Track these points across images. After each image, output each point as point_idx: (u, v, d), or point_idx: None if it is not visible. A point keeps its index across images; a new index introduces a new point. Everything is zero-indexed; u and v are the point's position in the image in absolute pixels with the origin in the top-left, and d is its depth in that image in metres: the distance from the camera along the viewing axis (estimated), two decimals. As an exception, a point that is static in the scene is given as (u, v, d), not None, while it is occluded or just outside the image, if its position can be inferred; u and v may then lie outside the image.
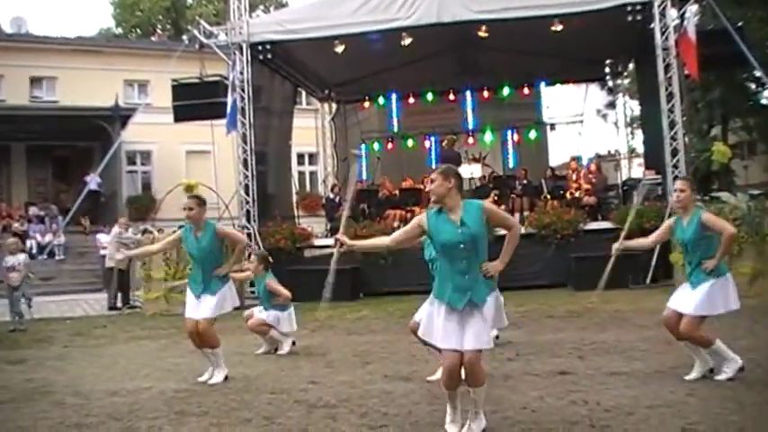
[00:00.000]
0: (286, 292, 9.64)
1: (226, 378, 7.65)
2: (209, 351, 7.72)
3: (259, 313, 9.68)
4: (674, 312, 6.60)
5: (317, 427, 5.63)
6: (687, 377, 6.52)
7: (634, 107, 27.42)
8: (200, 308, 7.61)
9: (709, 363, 6.56)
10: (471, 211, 5.08)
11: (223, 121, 17.20)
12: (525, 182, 19.22)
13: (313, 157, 31.80)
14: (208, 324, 7.62)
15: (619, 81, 23.89)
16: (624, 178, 21.51)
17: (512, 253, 5.24)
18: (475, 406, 5.19)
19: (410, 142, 23.40)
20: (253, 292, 12.44)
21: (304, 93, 25.05)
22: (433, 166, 5.32)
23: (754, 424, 5.11)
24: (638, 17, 15.94)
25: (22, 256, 13.88)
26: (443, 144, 20.63)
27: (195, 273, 7.81)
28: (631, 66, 22.58)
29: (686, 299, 6.54)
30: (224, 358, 7.82)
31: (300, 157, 32.17)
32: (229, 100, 16.82)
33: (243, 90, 17.29)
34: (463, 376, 5.21)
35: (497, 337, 8.96)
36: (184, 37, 19.52)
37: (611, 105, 27.05)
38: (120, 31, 48.91)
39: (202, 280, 7.65)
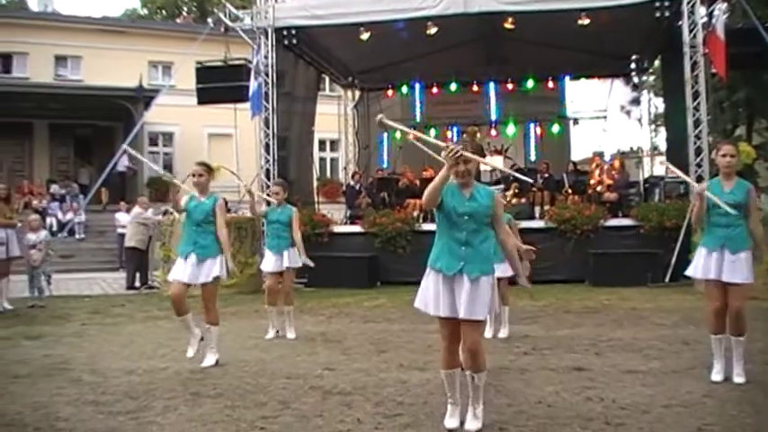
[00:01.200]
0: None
1: (202, 339, 7.77)
2: (205, 328, 7.75)
3: (275, 265, 9.52)
4: (721, 284, 6.46)
5: (332, 414, 5.64)
6: (714, 378, 6.48)
7: (658, 104, 27.24)
8: (195, 273, 7.65)
9: (722, 360, 6.54)
10: (482, 192, 5.23)
11: (246, 105, 17.22)
12: (546, 175, 19.14)
13: (334, 144, 31.84)
14: (212, 291, 7.78)
15: (644, 77, 23.69)
16: (646, 176, 21.37)
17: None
18: (474, 398, 5.23)
19: (432, 132, 23.32)
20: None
21: (327, 79, 25.01)
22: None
23: (771, 427, 5.09)
24: (666, 14, 15.78)
25: (43, 234, 14.00)
26: (464, 136, 20.61)
27: (188, 235, 7.83)
28: (657, 62, 22.41)
29: (731, 268, 6.39)
30: (238, 340, 7.84)
31: (322, 143, 32.18)
32: (253, 84, 16.82)
33: (267, 75, 17.27)
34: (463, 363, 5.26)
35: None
36: (209, 20, 19.44)
37: (636, 102, 26.85)
38: (145, 12, 49.09)
39: (195, 242, 7.71)
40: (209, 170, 7.88)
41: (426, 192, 5.12)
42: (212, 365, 7.60)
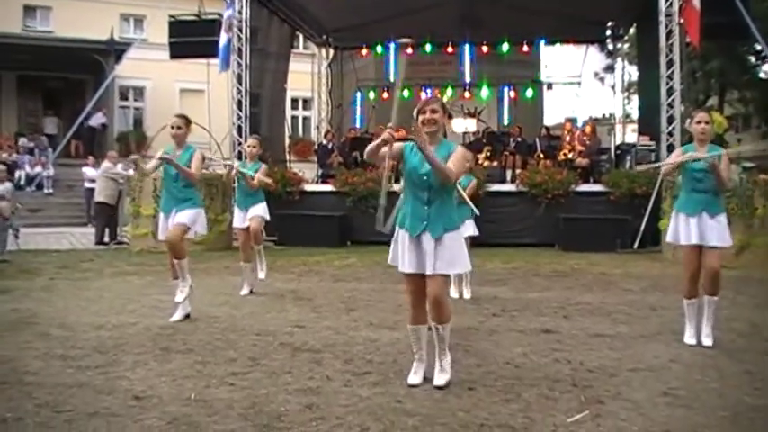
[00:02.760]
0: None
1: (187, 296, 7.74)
2: (176, 262, 7.71)
3: (243, 220, 9.60)
4: (698, 249, 6.53)
5: (302, 371, 5.65)
6: (687, 341, 6.61)
7: (632, 72, 27.35)
8: (173, 221, 7.64)
9: (694, 324, 6.67)
10: (444, 149, 5.27)
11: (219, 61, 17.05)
12: (519, 139, 19.16)
13: (307, 103, 31.66)
14: (181, 232, 7.67)
15: (619, 45, 23.72)
16: (618, 142, 21.49)
17: (438, 166, 5.06)
18: (440, 350, 5.35)
19: (406, 92, 23.24)
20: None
21: (301, 36, 24.81)
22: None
23: (734, 392, 5.16)
24: (644, -19, 15.82)
25: (8, 185, 13.82)
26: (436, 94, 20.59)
27: (168, 192, 7.77)
28: (632, 30, 22.44)
29: (712, 232, 6.47)
30: (208, 296, 7.81)
31: (294, 101, 32.05)
32: (223, 38, 16.59)
33: (240, 30, 17.09)
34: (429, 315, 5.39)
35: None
36: (183, -27, 19.25)
37: (610, 69, 26.93)
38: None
39: (175, 197, 7.66)
40: (187, 123, 7.75)
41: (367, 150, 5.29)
42: (185, 296, 7.66)
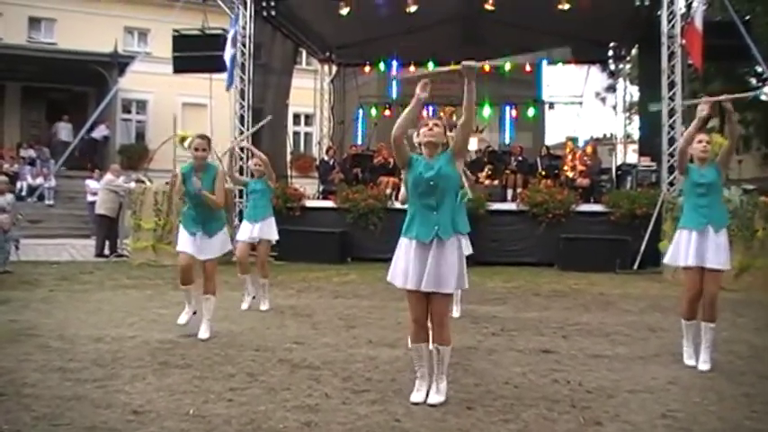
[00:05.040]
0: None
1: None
2: (204, 297, 7.72)
3: (248, 234, 9.60)
4: (700, 270, 6.54)
5: (300, 388, 5.65)
6: (687, 362, 6.64)
7: (633, 93, 27.42)
8: (202, 249, 7.65)
9: (692, 344, 6.68)
10: (443, 156, 5.35)
11: (222, 76, 17.09)
12: (520, 158, 19.17)
13: (309, 119, 31.74)
14: (215, 265, 7.82)
15: (621, 65, 23.80)
16: (619, 163, 21.51)
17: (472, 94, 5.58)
18: (438, 372, 5.35)
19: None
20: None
21: (304, 52, 24.89)
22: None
23: (733, 415, 5.15)
24: (646, 2, 15.91)
25: (9, 197, 13.80)
26: (440, 114, 20.65)
27: (191, 212, 7.69)
28: (634, 51, 22.50)
29: (712, 254, 6.48)
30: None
31: (296, 117, 32.12)
32: (228, 53, 16.62)
33: (244, 46, 17.15)
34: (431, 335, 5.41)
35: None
36: (188, -13, 19.37)
37: (611, 89, 26.99)
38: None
39: (200, 220, 7.64)
40: (209, 143, 7.72)
41: (400, 118, 5.26)
42: (208, 338, 7.53)
